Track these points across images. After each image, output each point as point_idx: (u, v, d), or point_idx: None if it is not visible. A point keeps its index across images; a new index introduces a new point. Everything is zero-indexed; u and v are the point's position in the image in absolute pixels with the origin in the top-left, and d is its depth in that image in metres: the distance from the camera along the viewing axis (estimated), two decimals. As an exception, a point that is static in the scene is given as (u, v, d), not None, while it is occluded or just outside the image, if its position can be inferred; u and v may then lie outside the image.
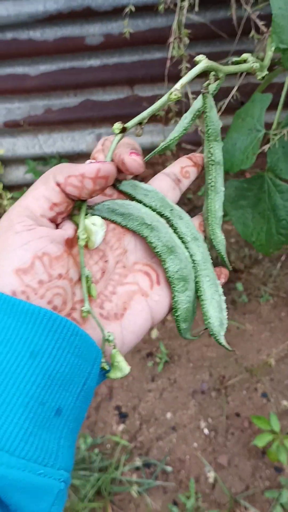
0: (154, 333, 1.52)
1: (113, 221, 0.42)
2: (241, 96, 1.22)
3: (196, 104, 0.49)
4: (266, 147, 0.84)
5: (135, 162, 0.39)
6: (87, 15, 1.31)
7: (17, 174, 1.72)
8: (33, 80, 1.46)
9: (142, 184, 0.44)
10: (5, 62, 1.43)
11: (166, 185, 0.47)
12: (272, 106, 0.98)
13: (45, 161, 1.66)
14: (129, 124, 0.40)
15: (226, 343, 0.44)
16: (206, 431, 1.41)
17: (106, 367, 0.39)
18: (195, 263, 0.44)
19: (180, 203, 1.61)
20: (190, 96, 1.02)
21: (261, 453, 1.36)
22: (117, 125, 0.39)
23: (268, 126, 0.87)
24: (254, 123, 0.87)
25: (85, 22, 1.35)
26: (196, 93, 1.41)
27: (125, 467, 1.38)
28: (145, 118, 0.41)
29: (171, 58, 1.16)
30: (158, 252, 0.42)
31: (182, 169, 0.48)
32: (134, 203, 0.43)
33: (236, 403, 1.43)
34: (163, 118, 1.29)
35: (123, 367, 0.39)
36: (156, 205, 0.44)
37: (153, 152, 0.49)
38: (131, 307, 0.42)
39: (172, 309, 0.43)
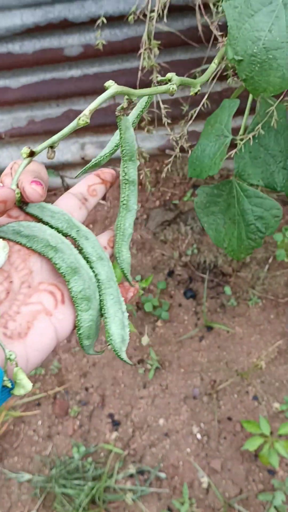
0: (145, 340, 1.52)
1: (18, 243, 0.43)
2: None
3: (130, 119, 0.50)
4: (233, 152, 0.85)
5: (34, 192, 0.40)
6: (65, 26, 1.32)
7: (4, 185, 1.72)
8: (15, 93, 1.47)
9: (49, 206, 0.45)
10: (-14, 76, 1.44)
11: (73, 204, 0.48)
12: (242, 111, 0.99)
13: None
14: (38, 148, 0.41)
15: (127, 359, 0.45)
16: (198, 436, 1.41)
17: (9, 385, 0.39)
18: (99, 282, 0.46)
19: (166, 208, 1.61)
20: (162, 106, 1.03)
21: (254, 456, 1.36)
22: (25, 150, 0.40)
23: (236, 132, 0.88)
24: (222, 129, 0.88)
25: (63, 34, 1.35)
26: (171, 101, 1.41)
27: (119, 475, 1.38)
28: (55, 142, 0.41)
29: (144, 67, 1.17)
30: (62, 273, 0.43)
31: (89, 187, 0.50)
32: (39, 225, 0.44)
33: (227, 407, 1.44)
34: (135, 127, 1.30)
35: (26, 384, 0.39)
36: (63, 226, 0.45)
37: (83, 169, 0.50)
38: (34, 326, 0.42)
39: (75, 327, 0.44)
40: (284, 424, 1.28)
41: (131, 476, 1.38)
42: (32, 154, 0.41)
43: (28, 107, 1.52)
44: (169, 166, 1.11)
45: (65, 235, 0.45)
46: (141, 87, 1.38)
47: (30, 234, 0.43)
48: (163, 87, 0.47)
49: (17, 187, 0.41)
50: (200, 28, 1.09)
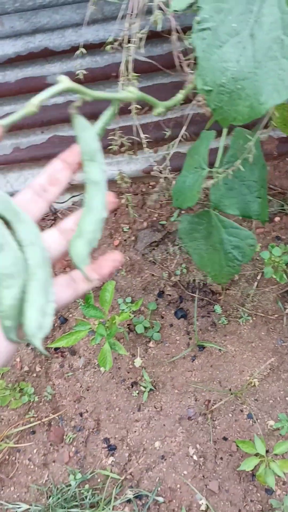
0: (138, 362, 1.52)
1: None
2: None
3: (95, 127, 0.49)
4: (210, 183, 0.86)
5: None
6: (46, 55, 1.33)
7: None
8: (-1, 121, 1.47)
9: None
10: None
11: (27, 198, 0.46)
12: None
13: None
14: None
15: (41, 347, 0.44)
16: (195, 457, 1.41)
17: None
18: (28, 267, 0.44)
19: (154, 229, 1.62)
20: (141, 132, 1.04)
21: (251, 475, 1.36)
22: None
23: (212, 165, 0.89)
24: (199, 161, 0.89)
25: (45, 62, 1.37)
26: (154, 124, 1.42)
27: (116, 501, 1.37)
28: (3, 126, 0.42)
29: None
30: None
31: (51, 176, 0.47)
32: None
33: (223, 427, 1.43)
34: (118, 151, 1.31)
35: None
36: None
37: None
38: None
39: None
40: (279, 443, 1.29)
41: (129, 501, 1.37)
42: None
43: (13, 134, 1.53)
44: (157, 193, 1.12)
45: (0, 217, 0.44)
46: (123, 112, 1.40)
47: None
48: (120, 94, 0.47)
49: None
50: (176, 56, 1.10)
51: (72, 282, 0.47)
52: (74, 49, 1.32)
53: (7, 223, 0.44)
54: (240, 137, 0.86)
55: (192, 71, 0.90)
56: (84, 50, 1.03)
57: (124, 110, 1.39)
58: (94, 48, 1.31)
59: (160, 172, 1.04)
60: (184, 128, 1.06)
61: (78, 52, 1.03)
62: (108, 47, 1.02)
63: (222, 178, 0.86)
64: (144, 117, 1.48)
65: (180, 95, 0.78)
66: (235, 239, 0.92)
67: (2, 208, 0.44)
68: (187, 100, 1.23)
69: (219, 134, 0.94)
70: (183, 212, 1.64)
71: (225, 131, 0.90)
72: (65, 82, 0.43)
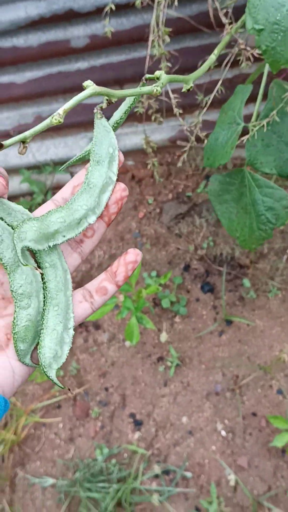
0: (163, 337, 1.49)
1: None
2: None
3: (116, 115, 0.49)
4: (245, 139, 0.81)
5: None
6: (70, 17, 1.27)
7: (12, 184, 1.68)
8: (20, 88, 1.42)
9: (10, 203, 0.43)
10: (-10, 72, 1.40)
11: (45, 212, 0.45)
12: (255, 99, 0.94)
13: (39, 169, 1.63)
14: (7, 141, 0.40)
15: (56, 379, 0.43)
16: (223, 433, 1.38)
17: None
18: (46, 290, 0.43)
19: (180, 201, 1.57)
20: (172, 95, 0.99)
21: (281, 452, 1.33)
22: None
23: (249, 119, 0.84)
24: (234, 116, 0.84)
25: (69, 25, 1.31)
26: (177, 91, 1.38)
27: (144, 476, 1.35)
28: (27, 138, 0.40)
29: (152, 56, 1.13)
30: (4, 264, 0.41)
31: (75, 188, 0.46)
32: None
33: (251, 403, 1.40)
34: (144, 115, 1.26)
35: None
36: None
37: (67, 163, 0.48)
38: None
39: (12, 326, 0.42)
40: (313, 419, 1.25)
41: (157, 476, 1.36)
42: (0, 146, 0.39)
43: (35, 103, 1.48)
44: (184, 156, 1.07)
45: None
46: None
47: None
48: (146, 88, 0.45)
49: None
50: (211, 13, 1.04)
51: (88, 296, 0.46)
52: (99, 10, 1.26)
53: None
54: (279, 88, 0.81)
55: (230, 21, 0.84)
56: (113, 7, 0.97)
57: (152, 73, 1.33)
58: (119, 9, 1.24)
59: (191, 132, 0.99)
60: (216, 89, 1.01)
61: (107, 8, 0.97)
62: (138, 2, 0.96)
63: (259, 133, 0.81)
64: (171, 83, 1.42)
65: (213, 56, 0.73)
66: (269, 199, 0.87)
67: None
68: (218, 65, 1.17)
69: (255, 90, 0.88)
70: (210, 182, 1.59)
71: (263, 82, 0.84)
72: (92, 87, 0.42)
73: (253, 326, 1.49)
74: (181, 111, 0.99)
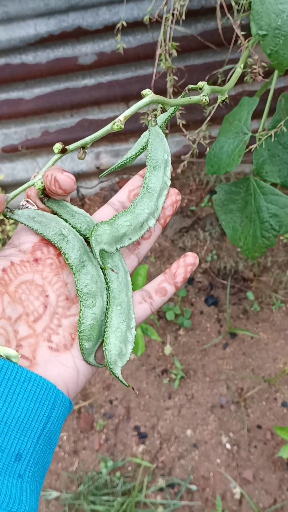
0: (167, 349, 1.50)
1: (30, 227, 0.42)
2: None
3: (158, 122, 0.50)
4: (253, 147, 0.83)
5: (67, 177, 0.39)
6: (79, 35, 1.31)
7: (19, 198, 1.71)
8: (29, 104, 1.46)
9: (72, 206, 0.45)
10: (-1, 88, 1.43)
11: (106, 215, 0.47)
12: (259, 114, 0.97)
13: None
14: (70, 146, 0.41)
15: (121, 376, 0.43)
16: (228, 446, 1.38)
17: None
18: (109, 290, 0.44)
19: (184, 215, 1.60)
20: (177, 112, 1.01)
21: (286, 464, 1.33)
22: (58, 146, 0.40)
23: (254, 132, 0.87)
24: (241, 126, 0.87)
25: (77, 42, 1.34)
26: (186, 107, 1.40)
27: (148, 489, 1.35)
28: (88, 143, 0.42)
29: (159, 72, 1.16)
30: (70, 264, 0.42)
31: (130, 192, 0.48)
32: (55, 216, 0.43)
33: (256, 415, 1.40)
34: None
35: (11, 353, 0.38)
36: (82, 227, 0.44)
37: (109, 169, 0.49)
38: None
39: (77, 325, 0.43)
40: None
41: (161, 489, 1.35)
42: (64, 150, 0.41)
43: (42, 118, 1.51)
44: (185, 163, 1.09)
45: (83, 237, 0.45)
46: (156, 93, 1.38)
47: (43, 221, 0.42)
48: (195, 98, 0.47)
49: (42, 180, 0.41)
50: (220, 29, 1.07)
51: (147, 297, 0.47)
52: (107, 28, 1.30)
53: (88, 243, 0.45)
54: (287, 101, 0.84)
55: (245, 33, 0.87)
56: (125, 23, 1.00)
57: (160, 92, 1.37)
58: (127, 28, 1.28)
59: (193, 142, 1.01)
60: (216, 103, 1.03)
61: (119, 24, 1.00)
62: (146, 18, 0.99)
63: (265, 143, 0.83)
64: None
65: (239, 69, 0.76)
66: (274, 206, 0.89)
67: (85, 228, 0.44)
68: (213, 84, 1.20)
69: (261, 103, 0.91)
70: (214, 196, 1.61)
71: (270, 95, 0.87)
72: (150, 95, 0.43)
73: (257, 338, 1.49)
74: (184, 122, 1.02)
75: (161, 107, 0.47)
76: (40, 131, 1.54)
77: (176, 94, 1.43)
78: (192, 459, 1.38)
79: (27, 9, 1.23)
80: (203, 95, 0.47)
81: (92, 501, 1.33)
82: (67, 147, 0.41)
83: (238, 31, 0.96)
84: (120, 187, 1.69)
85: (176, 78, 1.09)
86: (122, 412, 1.46)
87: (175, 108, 0.52)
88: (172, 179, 1.66)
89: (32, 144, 1.55)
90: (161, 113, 0.48)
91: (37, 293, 0.41)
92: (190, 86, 0.49)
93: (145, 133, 0.50)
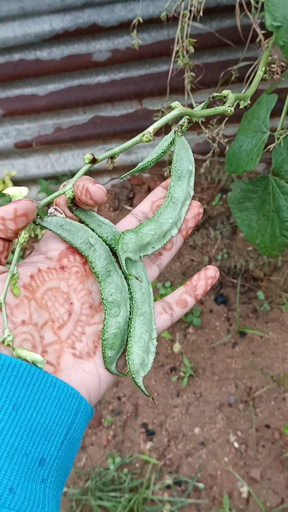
0: (176, 347, 1.50)
1: (58, 235, 0.43)
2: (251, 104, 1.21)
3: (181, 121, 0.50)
4: (271, 147, 0.83)
5: (99, 189, 0.39)
6: (94, 31, 1.31)
7: (30, 194, 1.71)
8: (42, 100, 1.46)
9: (98, 216, 0.45)
10: (13, 84, 1.43)
11: (129, 226, 0.47)
12: (278, 113, 0.97)
13: (57, 180, 1.66)
14: (100, 156, 0.42)
15: (143, 386, 0.44)
16: (236, 444, 1.38)
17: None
18: (133, 300, 0.45)
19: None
20: (194, 105, 1.01)
21: (294, 464, 1.33)
22: (88, 156, 0.41)
23: (273, 131, 0.86)
24: (260, 125, 0.86)
25: (92, 39, 1.35)
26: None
27: (155, 486, 1.35)
28: (116, 153, 0.42)
29: (176, 68, 1.16)
30: (96, 272, 0.43)
31: (153, 203, 0.49)
32: (83, 225, 0.44)
33: (265, 415, 1.40)
34: (162, 128, 1.28)
35: (36, 357, 0.39)
36: (108, 237, 0.45)
37: (129, 172, 0.49)
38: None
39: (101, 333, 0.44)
40: None
41: (168, 487, 1.35)
42: (94, 161, 0.41)
43: (55, 114, 1.51)
44: (207, 162, 1.09)
45: (108, 246, 0.45)
46: (171, 90, 1.38)
47: (71, 229, 0.43)
48: (220, 108, 0.47)
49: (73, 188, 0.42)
50: (239, 26, 1.07)
51: (168, 308, 0.47)
52: (122, 25, 1.30)
53: (114, 253, 0.46)
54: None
55: (265, 32, 0.87)
56: (141, 19, 1.00)
57: (174, 89, 1.37)
58: (141, 25, 1.28)
59: (213, 140, 1.01)
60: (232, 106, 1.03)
61: (135, 20, 1.00)
62: (163, 14, 1.00)
63: (285, 142, 0.83)
64: (194, 94, 1.45)
65: (260, 72, 0.76)
66: (293, 205, 0.89)
67: (111, 238, 0.45)
68: (227, 82, 1.20)
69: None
70: (226, 194, 1.61)
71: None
72: (179, 108, 0.44)
73: (266, 338, 1.49)
74: (203, 120, 1.02)
75: (188, 119, 0.47)
76: (53, 127, 1.54)
77: (193, 90, 1.43)
78: (200, 457, 1.38)
79: (43, 5, 1.23)
80: (228, 106, 0.47)
81: (99, 497, 1.33)
82: (96, 157, 0.42)
83: (258, 30, 0.96)
84: (132, 185, 1.69)
85: (193, 74, 1.10)
86: (130, 409, 1.46)
87: (205, 102, 0.52)
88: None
89: (45, 140, 1.55)
90: (188, 124, 0.48)
91: (62, 300, 0.42)
92: (215, 94, 0.49)
93: (167, 137, 0.50)
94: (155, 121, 1.22)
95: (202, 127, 1.08)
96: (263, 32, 0.90)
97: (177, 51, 1.00)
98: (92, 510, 1.33)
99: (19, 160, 1.64)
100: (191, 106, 1.25)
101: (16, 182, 1.67)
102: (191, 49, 0.99)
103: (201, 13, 0.94)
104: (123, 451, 1.42)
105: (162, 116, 1.18)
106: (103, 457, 1.41)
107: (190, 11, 0.97)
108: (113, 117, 1.52)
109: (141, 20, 1.01)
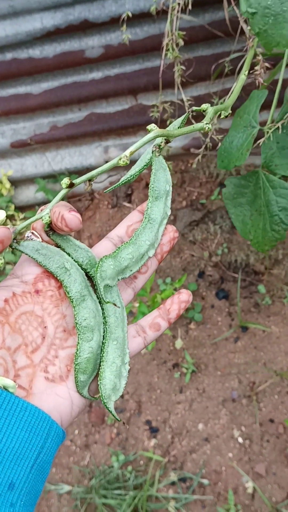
0: (178, 343, 1.49)
1: (34, 259, 0.43)
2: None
3: (159, 140, 0.50)
4: (261, 141, 0.82)
5: (75, 217, 0.40)
6: (85, 27, 1.30)
7: (28, 194, 1.71)
8: (36, 98, 1.45)
9: (75, 240, 0.46)
10: (7, 83, 1.43)
11: (105, 250, 0.48)
12: (270, 105, 0.95)
13: (54, 178, 1.65)
14: (77, 180, 0.42)
15: (114, 411, 0.44)
16: (240, 440, 1.37)
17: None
18: (106, 325, 0.45)
19: (193, 208, 1.58)
20: (186, 103, 1.00)
21: (299, 458, 1.32)
22: (65, 181, 0.42)
23: (263, 125, 0.85)
24: (250, 119, 0.86)
25: (84, 35, 1.34)
26: (194, 98, 1.38)
27: (160, 483, 1.34)
28: (94, 176, 0.43)
29: (168, 63, 1.15)
30: (71, 297, 0.43)
31: (129, 227, 0.49)
32: (59, 250, 0.45)
33: (269, 409, 1.39)
34: (158, 120, 1.28)
35: (8, 383, 0.39)
36: (83, 262, 0.45)
37: (113, 186, 0.50)
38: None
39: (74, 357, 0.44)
40: None
41: (173, 483, 1.34)
42: (71, 185, 0.42)
43: (50, 112, 1.51)
44: (199, 157, 1.08)
45: (84, 271, 0.46)
46: (163, 85, 1.36)
47: (47, 254, 0.43)
48: (198, 125, 0.47)
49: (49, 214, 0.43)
50: (227, 18, 1.06)
51: (141, 332, 0.48)
52: (113, 20, 1.29)
53: (89, 278, 0.46)
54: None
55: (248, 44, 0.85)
56: (130, 14, 0.99)
57: (168, 83, 1.35)
58: (133, 19, 1.27)
59: (205, 135, 1.00)
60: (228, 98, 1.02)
61: (124, 15, 0.99)
62: (153, 8, 0.98)
63: (274, 136, 0.82)
64: (185, 90, 1.44)
65: (243, 76, 0.74)
66: (283, 200, 0.88)
67: (86, 262, 0.46)
68: (221, 75, 1.19)
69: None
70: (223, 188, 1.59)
71: (279, 86, 0.86)
72: (156, 131, 0.44)
73: (268, 332, 1.48)
74: (194, 114, 1.00)
75: (165, 139, 0.48)
76: (48, 125, 1.53)
77: (188, 84, 1.41)
78: (204, 453, 1.37)
79: (33, 3, 1.23)
80: (206, 123, 0.47)
81: (103, 495, 1.33)
82: (74, 181, 0.42)
83: (244, 26, 0.95)
84: (129, 184, 1.68)
85: (183, 68, 1.08)
86: (133, 406, 1.46)
87: (184, 117, 0.51)
88: (182, 172, 1.64)
89: (41, 138, 1.55)
90: (165, 144, 0.48)
91: (36, 324, 0.43)
92: (194, 108, 0.49)
93: (149, 150, 0.50)
94: (151, 116, 1.21)
95: (193, 121, 1.06)
96: (249, 28, 0.89)
97: (167, 45, 0.98)
98: (97, 508, 1.33)
99: (16, 159, 1.63)
100: (182, 101, 1.23)
101: (14, 182, 1.67)
102: (181, 42, 0.97)
103: (189, 6, 0.93)
104: (127, 448, 1.41)
105: (157, 112, 1.17)
106: (107, 455, 1.41)
107: (179, 4, 0.96)
108: (108, 113, 1.51)
109: (130, 15, 0.99)
